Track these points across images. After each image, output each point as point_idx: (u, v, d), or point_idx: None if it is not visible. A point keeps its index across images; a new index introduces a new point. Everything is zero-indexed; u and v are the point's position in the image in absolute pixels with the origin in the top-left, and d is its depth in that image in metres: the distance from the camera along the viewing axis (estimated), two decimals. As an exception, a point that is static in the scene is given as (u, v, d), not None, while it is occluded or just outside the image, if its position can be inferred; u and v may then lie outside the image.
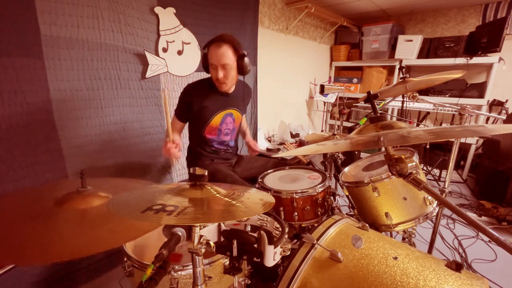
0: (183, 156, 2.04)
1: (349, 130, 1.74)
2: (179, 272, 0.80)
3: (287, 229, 1.05)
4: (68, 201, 0.73)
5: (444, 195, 1.40)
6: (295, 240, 0.82)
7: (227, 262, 0.83)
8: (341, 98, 3.68)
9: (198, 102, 1.45)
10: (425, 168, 3.06)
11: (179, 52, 1.91)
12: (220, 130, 1.56)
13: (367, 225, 0.89)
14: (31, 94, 1.30)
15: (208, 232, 0.79)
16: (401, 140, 0.67)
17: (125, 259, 0.87)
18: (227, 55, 1.34)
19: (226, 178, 1.43)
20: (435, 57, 3.12)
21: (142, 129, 1.80)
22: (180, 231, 0.61)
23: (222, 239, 0.67)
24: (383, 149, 1.54)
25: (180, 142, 1.41)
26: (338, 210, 1.42)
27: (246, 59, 1.40)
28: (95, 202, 0.74)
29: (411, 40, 3.17)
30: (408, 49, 3.21)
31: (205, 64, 1.42)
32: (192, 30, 1.95)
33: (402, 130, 0.70)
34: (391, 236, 1.26)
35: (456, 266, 0.67)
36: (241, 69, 1.41)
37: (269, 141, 3.02)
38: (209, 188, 0.67)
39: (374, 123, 0.79)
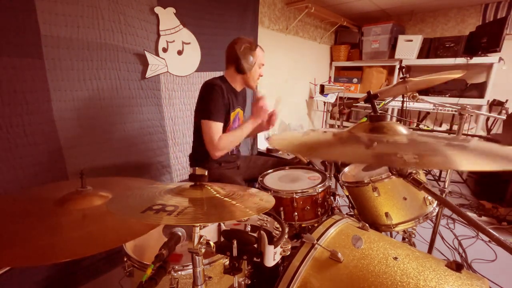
0: (186, 157, 2.02)
1: (349, 130, 1.74)
2: (179, 272, 0.79)
3: (287, 229, 1.05)
4: (68, 201, 0.73)
5: (444, 195, 1.40)
6: (295, 240, 0.82)
7: (227, 262, 0.83)
8: (341, 98, 3.69)
9: (228, 101, 1.44)
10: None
11: (179, 52, 1.91)
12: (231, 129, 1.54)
13: (367, 225, 0.89)
14: (31, 94, 1.30)
15: (208, 232, 0.79)
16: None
17: (125, 259, 0.87)
18: None
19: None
20: (435, 57, 3.12)
21: (142, 129, 1.80)
22: (180, 231, 0.61)
23: (222, 239, 0.67)
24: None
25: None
26: (338, 210, 1.42)
27: None
28: (95, 202, 0.74)
29: (411, 40, 3.17)
30: (408, 49, 3.21)
31: (246, 65, 1.44)
32: (192, 30, 1.95)
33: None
34: (391, 236, 1.26)
35: (456, 266, 0.67)
36: None
37: (269, 141, 3.02)
38: (209, 188, 0.67)
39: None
